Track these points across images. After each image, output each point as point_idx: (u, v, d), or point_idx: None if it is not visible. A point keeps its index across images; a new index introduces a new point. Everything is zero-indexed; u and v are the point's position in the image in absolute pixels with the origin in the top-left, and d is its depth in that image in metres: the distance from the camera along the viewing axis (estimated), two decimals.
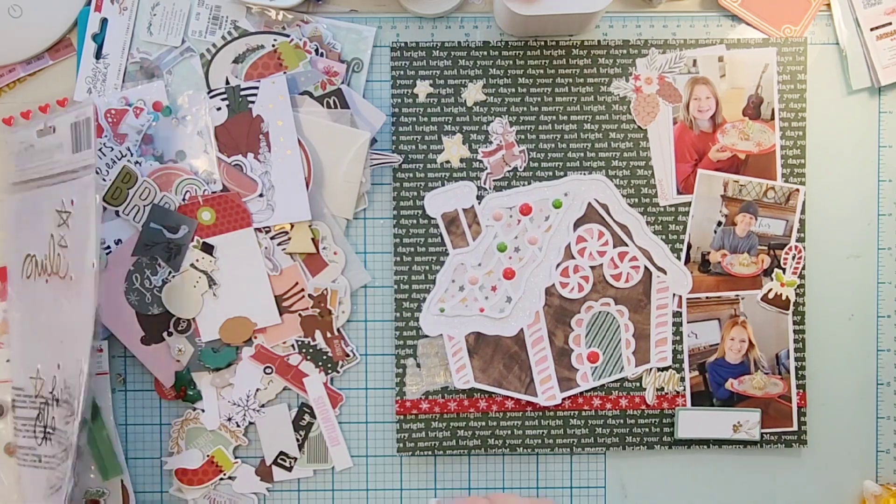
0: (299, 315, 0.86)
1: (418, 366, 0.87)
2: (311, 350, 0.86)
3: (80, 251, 0.77)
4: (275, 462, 0.86)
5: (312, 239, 0.85)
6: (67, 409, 0.77)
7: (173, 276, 0.84)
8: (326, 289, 0.85)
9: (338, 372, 0.87)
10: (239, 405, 0.86)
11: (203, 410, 0.86)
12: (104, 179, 0.83)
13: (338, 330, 0.86)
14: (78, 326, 0.76)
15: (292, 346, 0.86)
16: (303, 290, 0.85)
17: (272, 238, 0.85)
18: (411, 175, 0.87)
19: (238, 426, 0.86)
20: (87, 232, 0.76)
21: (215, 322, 0.85)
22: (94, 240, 0.75)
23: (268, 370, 0.86)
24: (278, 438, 0.86)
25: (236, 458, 0.87)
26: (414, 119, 0.87)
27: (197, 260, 0.84)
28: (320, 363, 0.86)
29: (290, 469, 0.87)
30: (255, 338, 0.86)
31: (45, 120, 0.82)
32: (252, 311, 0.85)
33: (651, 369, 0.87)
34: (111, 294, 0.84)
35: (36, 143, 0.82)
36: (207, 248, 0.84)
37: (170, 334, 0.85)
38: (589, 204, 0.87)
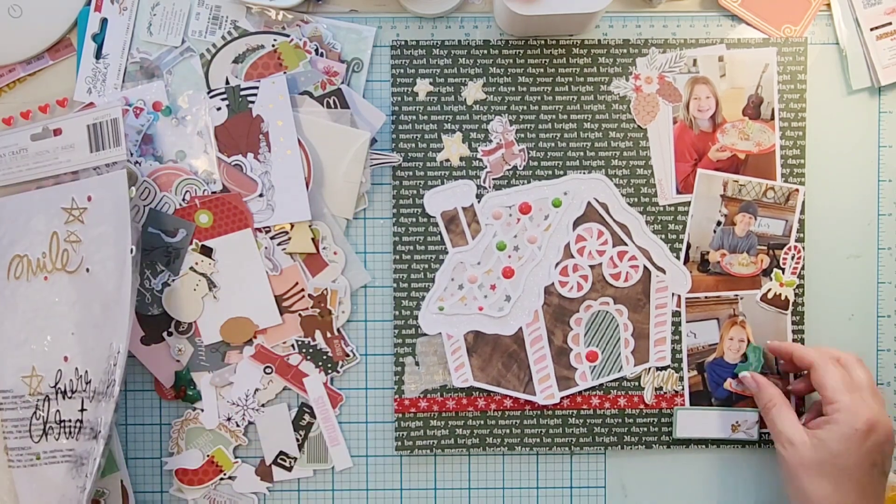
0: (299, 315, 0.86)
1: (417, 364, 0.87)
2: (311, 350, 0.86)
3: (103, 243, 0.81)
4: (274, 462, 0.87)
5: (312, 239, 0.85)
6: (87, 395, 0.80)
7: (173, 280, 0.84)
8: (326, 289, 0.86)
9: (338, 372, 0.87)
10: (238, 405, 0.86)
11: (202, 410, 0.86)
12: None
13: (338, 330, 0.86)
14: (100, 315, 0.80)
15: (292, 346, 0.86)
16: (303, 290, 0.86)
17: (272, 238, 0.85)
18: (411, 173, 0.87)
19: (238, 426, 0.86)
20: (119, 223, 0.80)
21: (216, 324, 0.85)
22: (129, 229, 0.80)
23: (268, 370, 0.86)
24: (278, 438, 0.86)
25: (236, 457, 0.87)
26: (414, 117, 0.87)
27: (196, 263, 0.84)
28: (320, 363, 0.87)
29: (290, 469, 0.87)
30: (255, 338, 0.86)
31: (43, 123, 0.83)
32: (253, 312, 0.85)
33: (650, 368, 0.87)
34: None
35: (30, 146, 0.83)
36: (206, 251, 0.84)
37: (170, 334, 0.85)
38: (588, 203, 0.87)
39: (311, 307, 0.85)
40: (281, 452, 0.87)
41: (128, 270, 0.79)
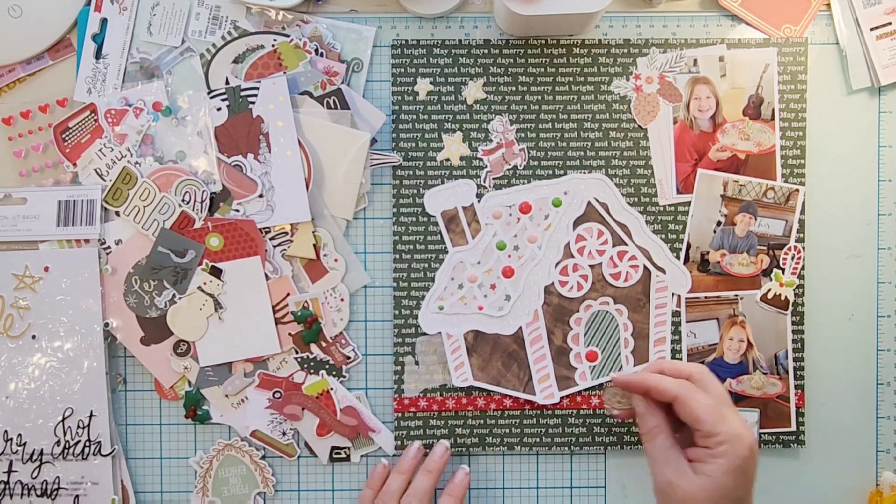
0: (290, 335, 0.86)
1: (417, 364, 0.87)
2: (311, 362, 0.86)
3: (61, 314, 0.85)
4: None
5: (314, 245, 0.85)
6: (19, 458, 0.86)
7: (178, 298, 0.84)
8: (308, 301, 0.85)
9: (344, 376, 0.87)
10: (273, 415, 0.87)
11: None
12: (104, 180, 0.84)
13: (331, 338, 0.86)
14: (46, 381, 0.85)
15: (285, 361, 0.86)
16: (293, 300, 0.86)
17: (271, 239, 0.85)
18: (411, 173, 0.87)
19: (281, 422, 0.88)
20: (89, 298, 0.85)
21: (215, 346, 0.85)
22: (100, 305, 0.85)
23: (277, 394, 0.86)
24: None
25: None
26: (414, 117, 0.87)
27: (205, 283, 0.84)
28: (323, 372, 0.86)
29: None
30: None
31: (8, 191, 0.85)
32: (253, 339, 0.85)
33: None
34: (111, 294, 0.85)
35: None
36: (216, 272, 0.84)
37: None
38: (588, 203, 0.87)
39: (296, 321, 0.86)
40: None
41: (99, 342, 0.84)
